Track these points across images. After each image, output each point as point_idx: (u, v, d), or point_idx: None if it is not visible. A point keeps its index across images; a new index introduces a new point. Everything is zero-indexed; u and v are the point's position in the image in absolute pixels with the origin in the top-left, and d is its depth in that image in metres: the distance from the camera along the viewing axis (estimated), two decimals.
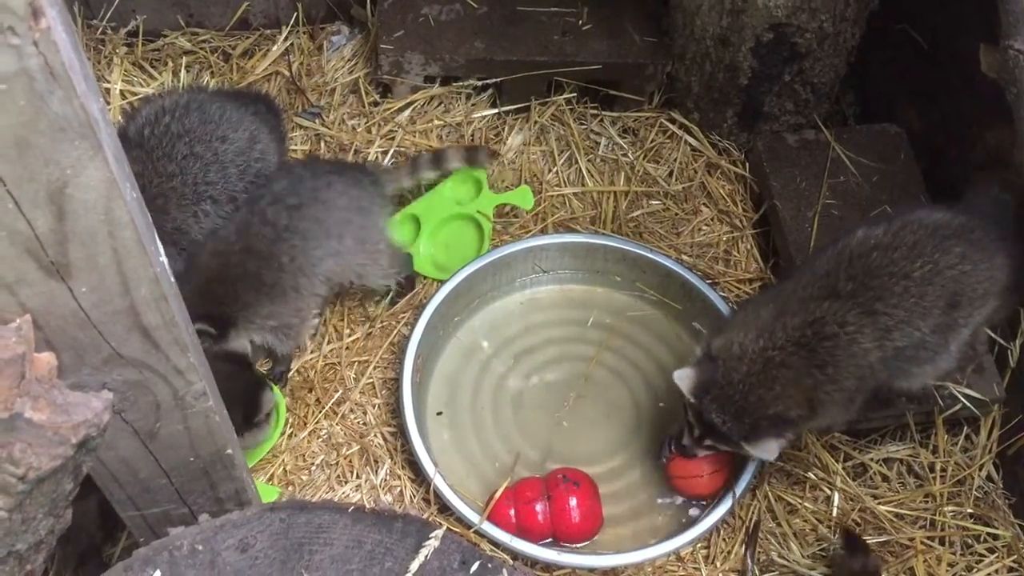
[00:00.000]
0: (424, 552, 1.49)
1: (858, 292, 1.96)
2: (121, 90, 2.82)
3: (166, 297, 1.19)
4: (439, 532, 1.50)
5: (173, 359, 1.29)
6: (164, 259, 1.27)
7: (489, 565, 1.50)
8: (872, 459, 2.38)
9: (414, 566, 1.48)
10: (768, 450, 2.00)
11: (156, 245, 1.23)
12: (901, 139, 2.67)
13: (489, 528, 2.13)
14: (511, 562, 1.86)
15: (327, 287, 2.33)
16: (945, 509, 2.30)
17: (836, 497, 2.32)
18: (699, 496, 2.27)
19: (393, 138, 2.80)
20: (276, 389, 2.34)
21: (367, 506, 1.53)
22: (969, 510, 2.32)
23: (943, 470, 2.35)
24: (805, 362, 1.95)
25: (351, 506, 1.53)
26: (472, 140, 2.81)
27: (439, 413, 2.37)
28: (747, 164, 2.75)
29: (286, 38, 3.00)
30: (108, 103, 2.78)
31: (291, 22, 3.02)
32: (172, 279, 1.32)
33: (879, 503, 2.31)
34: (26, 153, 0.95)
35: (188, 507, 1.61)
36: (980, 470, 2.35)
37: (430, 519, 2.20)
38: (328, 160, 2.61)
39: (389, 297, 2.52)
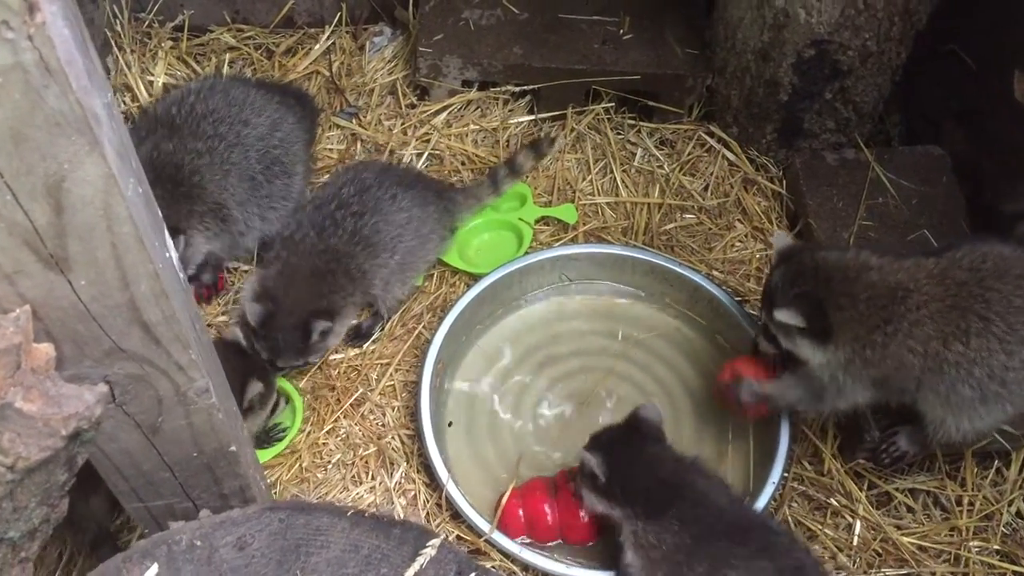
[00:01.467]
0: (420, 560, 1.48)
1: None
2: (164, 83, 2.85)
3: (167, 293, 1.20)
4: (436, 541, 1.49)
5: (175, 355, 1.29)
6: (170, 254, 1.28)
7: None
8: (897, 488, 2.32)
9: (409, 573, 1.47)
10: (789, 316, 1.97)
11: (161, 241, 1.23)
12: (944, 162, 2.60)
13: (499, 538, 2.12)
14: None
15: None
16: (971, 544, 2.24)
17: (858, 525, 2.26)
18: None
19: (428, 140, 2.80)
20: (292, 389, 2.36)
21: (367, 511, 1.53)
22: (996, 546, 2.24)
23: (971, 504, 2.28)
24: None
25: (350, 510, 1.52)
26: (507, 146, 2.80)
27: (450, 424, 2.35)
28: (784, 181, 2.71)
29: (328, 37, 3.02)
30: (151, 96, 2.82)
31: (335, 21, 3.04)
32: (180, 275, 1.33)
33: (902, 534, 2.25)
34: (23, 146, 0.96)
35: (192, 501, 1.62)
36: (1009, 506, 2.28)
37: (440, 526, 2.20)
38: (403, 169, 2.62)
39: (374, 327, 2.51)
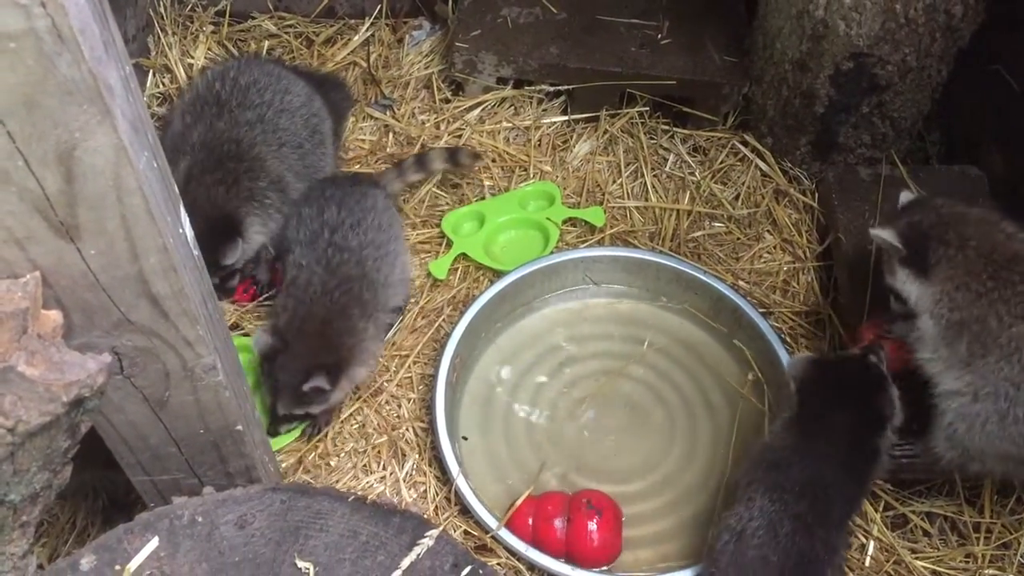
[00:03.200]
0: (417, 550, 1.48)
1: None
2: (203, 67, 2.88)
3: (175, 268, 1.21)
4: (434, 532, 1.49)
5: (183, 330, 1.31)
6: (184, 230, 1.30)
7: (481, 572, 1.48)
8: (914, 511, 2.28)
9: (405, 563, 1.47)
10: (888, 235, 1.98)
11: (175, 216, 1.25)
12: (981, 183, 2.56)
13: (506, 535, 2.11)
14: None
15: None
16: (986, 572, 2.19)
17: (871, 546, 2.23)
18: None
19: (460, 136, 2.80)
20: None
21: (367, 498, 1.53)
22: (1012, 575, 2.20)
23: (988, 531, 2.24)
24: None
25: (351, 496, 1.53)
26: (539, 145, 2.80)
27: (465, 438, 2.34)
28: (816, 194, 2.67)
29: (368, 28, 3.03)
30: (190, 78, 2.85)
31: (375, 13, 3.06)
32: (193, 252, 1.34)
33: (916, 557, 2.21)
34: (35, 112, 0.98)
35: (197, 477, 1.64)
36: None
37: (448, 520, 2.20)
38: (344, 175, 2.61)
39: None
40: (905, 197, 2.11)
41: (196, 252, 1.37)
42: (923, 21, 2.29)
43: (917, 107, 2.55)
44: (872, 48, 2.36)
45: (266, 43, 2.99)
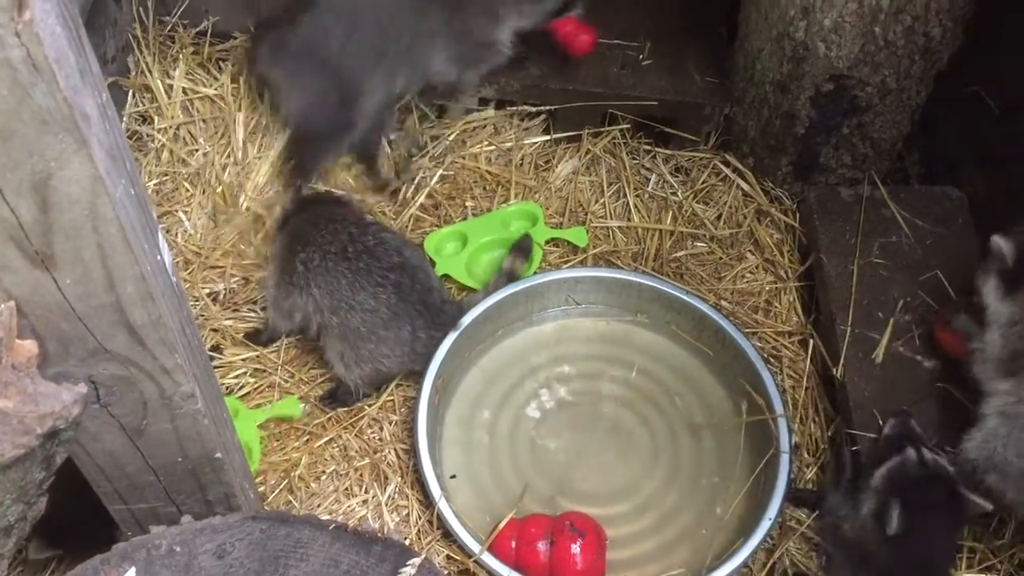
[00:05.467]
0: None
1: None
2: (184, 88, 2.87)
3: (152, 296, 1.19)
4: (416, 560, 1.48)
5: (160, 358, 1.29)
6: (162, 257, 1.28)
7: None
8: None
9: None
10: (1004, 244, 2.00)
11: (152, 243, 1.23)
12: (961, 204, 2.57)
13: (489, 559, 2.10)
14: None
15: None
16: None
17: None
18: None
19: (443, 159, 2.80)
20: (256, 442, 2.29)
21: (348, 525, 1.52)
22: None
23: (971, 552, 2.23)
24: None
25: (332, 524, 1.51)
26: (521, 165, 2.80)
27: (453, 476, 2.31)
28: (797, 215, 2.68)
29: None
30: (169, 99, 2.83)
31: None
32: (171, 279, 1.33)
33: None
34: (9, 142, 0.96)
35: (176, 506, 1.62)
36: (1010, 559, 2.23)
37: (431, 544, 2.18)
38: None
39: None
40: None
41: (174, 279, 1.35)
42: (902, 44, 2.30)
43: (897, 128, 2.56)
44: (852, 70, 2.38)
45: (246, 64, 2.97)
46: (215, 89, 2.87)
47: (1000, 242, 2.03)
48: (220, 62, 2.99)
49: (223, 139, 2.80)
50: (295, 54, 2.57)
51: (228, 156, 2.77)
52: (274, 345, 2.51)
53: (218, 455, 1.52)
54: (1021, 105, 2.54)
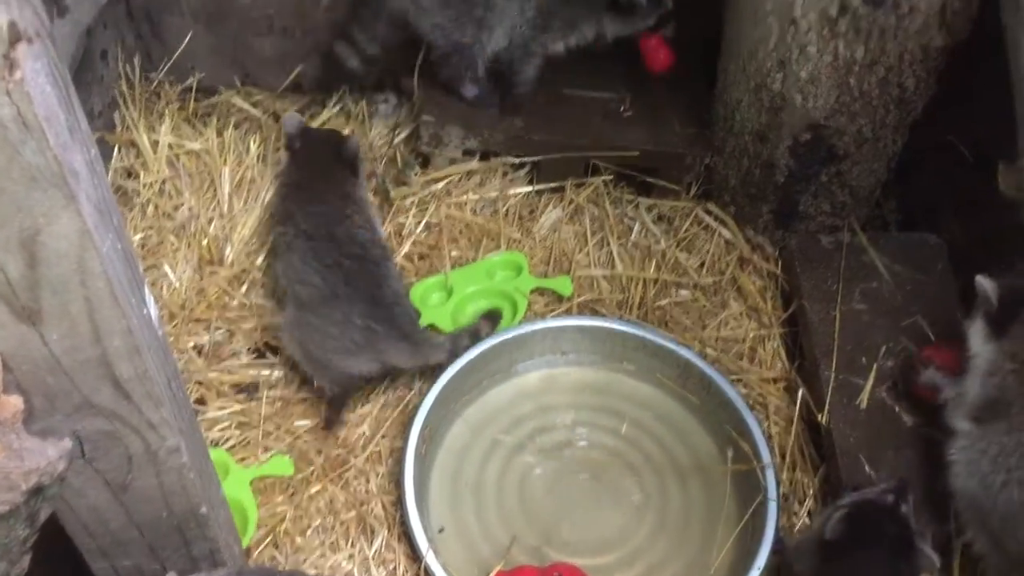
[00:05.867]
0: None
1: None
2: (169, 143, 2.89)
3: (139, 350, 1.20)
4: None
5: (146, 412, 1.29)
6: (148, 311, 1.29)
7: None
8: None
9: None
10: (989, 287, 2.02)
11: (139, 297, 1.24)
12: (940, 250, 2.61)
13: None
14: None
15: None
16: None
17: None
18: None
19: (426, 209, 2.82)
20: (251, 499, 2.29)
21: None
22: None
23: None
24: None
25: None
26: (506, 215, 2.82)
27: (441, 530, 2.30)
28: (779, 262, 2.71)
29: (335, 103, 3.06)
30: (155, 154, 2.85)
31: (343, 88, 3.08)
32: (158, 332, 1.33)
33: None
34: None
35: (160, 562, 1.60)
36: None
37: None
38: None
39: None
40: None
41: (160, 332, 1.35)
42: (877, 94, 2.35)
43: (875, 176, 2.61)
44: (829, 120, 2.42)
45: (232, 118, 3.01)
46: (201, 144, 2.89)
47: (985, 283, 2.04)
48: (206, 117, 3.03)
49: (208, 193, 2.82)
50: None
51: (214, 209, 2.79)
52: (258, 398, 2.51)
53: (203, 510, 1.51)
54: (994, 154, 2.58)
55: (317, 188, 2.54)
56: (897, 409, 2.35)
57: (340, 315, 2.34)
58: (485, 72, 2.78)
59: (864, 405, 2.34)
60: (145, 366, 1.22)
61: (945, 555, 2.15)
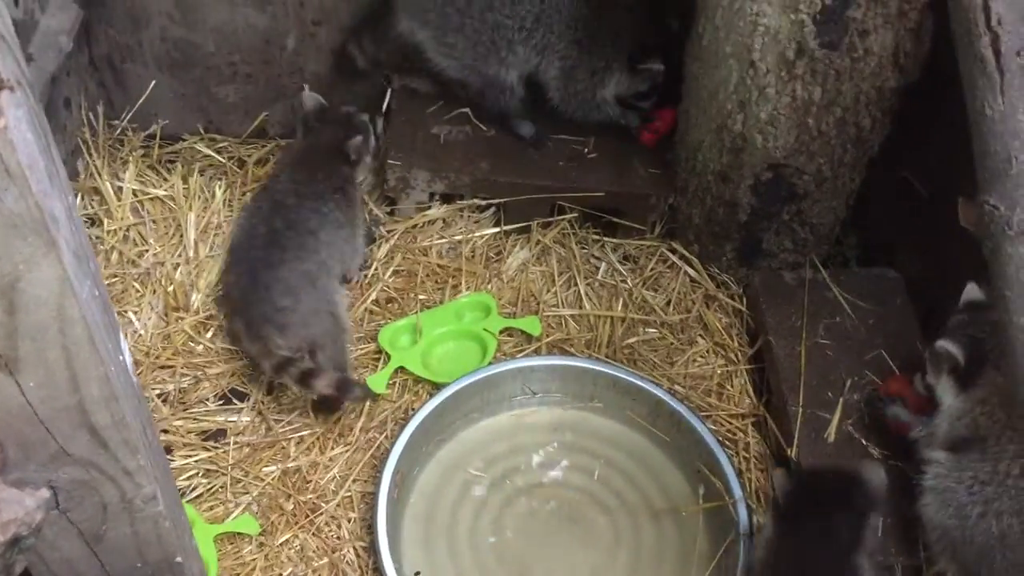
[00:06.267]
0: None
1: None
2: (134, 190, 2.88)
3: (117, 397, 1.19)
4: None
5: (123, 460, 1.27)
6: (124, 357, 1.28)
7: None
8: None
9: None
10: (952, 348, 2.06)
11: (115, 343, 1.23)
12: (899, 284, 2.66)
13: None
14: None
15: None
16: None
17: None
18: None
19: (394, 255, 2.82)
20: (213, 555, 2.25)
21: None
22: None
23: None
24: None
25: None
26: (472, 257, 2.84)
27: (416, 574, 2.28)
28: (744, 299, 2.75)
29: None
30: (119, 201, 2.84)
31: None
32: (132, 379, 1.32)
33: None
34: None
35: None
36: None
37: None
38: None
39: None
40: (971, 293, 2.17)
41: (135, 380, 1.34)
42: (835, 134, 2.41)
43: (834, 213, 2.66)
44: (789, 159, 2.48)
45: (197, 164, 3.00)
46: (166, 190, 2.89)
47: (948, 347, 2.09)
48: (170, 164, 3.03)
49: (174, 239, 2.81)
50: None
51: (179, 255, 2.77)
52: (225, 444, 2.48)
53: (179, 559, 1.49)
54: (947, 190, 2.65)
55: (312, 169, 2.66)
56: (864, 442, 2.38)
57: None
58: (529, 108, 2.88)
59: (832, 439, 2.37)
60: (123, 413, 1.21)
61: None
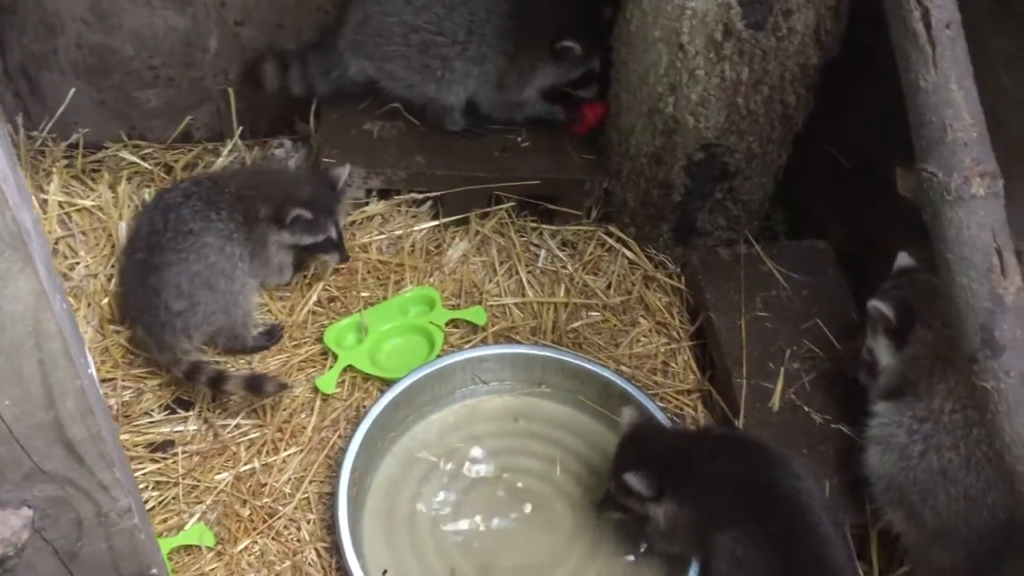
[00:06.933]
0: None
1: None
2: (60, 202, 2.80)
3: (92, 410, 1.17)
4: None
5: (98, 474, 1.26)
6: (91, 371, 1.26)
7: None
8: None
9: None
10: (884, 307, 2.18)
11: (84, 357, 1.21)
12: (828, 255, 2.76)
13: None
14: None
15: None
16: None
17: None
18: None
19: None
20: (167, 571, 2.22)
21: None
22: None
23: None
24: None
25: None
26: (412, 251, 2.84)
27: (384, 572, 2.28)
28: (683, 277, 2.82)
29: (230, 151, 3.03)
30: (45, 213, 2.76)
31: (236, 135, 3.05)
32: (99, 391, 1.30)
33: None
34: None
35: None
36: None
37: None
38: None
39: None
40: (902, 261, 2.29)
41: (100, 392, 1.32)
42: (763, 111, 2.49)
43: (763, 190, 2.74)
44: (720, 139, 2.54)
45: (124, 172, 2.94)
46: (93, 200, 2.82)
47: (879, 306, 2.20)
48: (94, 173, 2.95)
49: (105, 249, 2.75)
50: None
51: (113, 266, 2.71)
52: (174, 454, 2.44)
53: (154, 571, 1.47)
54: (868, 161, 2.77)
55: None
56: (807, 409, 2.46)
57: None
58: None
59: (776, 407, 2.45)
60: (99, 426, 1.19)
61: (863, 542, 2.27)
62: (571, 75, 2.85)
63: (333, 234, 2.58)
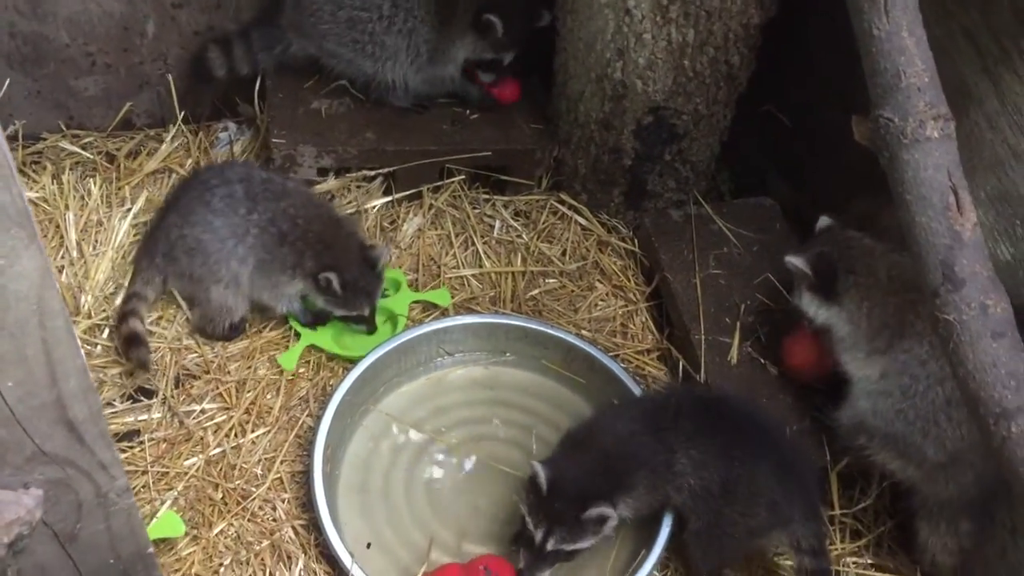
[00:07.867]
0: None
1: None
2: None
3: (93, 388, 1.17)
4: None
5: (99, 453, 1.26)
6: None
7: None
8: None
9: None
10: (799, 262, 2.29)
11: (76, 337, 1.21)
12: (775, 211, 2.84)
13: None
14: None
15: None
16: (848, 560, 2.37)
17: None
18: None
19: None
20: None
21: None
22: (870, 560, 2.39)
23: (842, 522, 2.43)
24: None
25: None
26: (367, 228, 2.84)
27: (368, 545, 2.30)
28: (636, 240, 2.87)
29: (173, 137, 2.99)
30: None
31: (178, 121, 3.01)
32: (88, 373, 1.29)
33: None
34: None
35: None
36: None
37: None
38: None
39: None
40: (822, 222, 2.36)
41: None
42: (709, 73, 2.54)
43: (710, 150, 2.81)
44: (668, 101, 2.59)
45: (66, 162, 2.88)
46: (37, 192, 2.76)
47: (794, 261, 2.28)
48: (35, 165, 2.89)
49: (54, 242, 2.70)
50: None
51: (63, 257, 2.67)
52: (140, 443, 2.42)
53: (150, 550, 1.48)
54: (807, 118, 2.85)
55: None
56: (763, 361, 2.54)
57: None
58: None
59: (735, 361, 2.53)
60: (99, 404, 1.19)
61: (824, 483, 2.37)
62: (484, 54, 2.83)
63: (366, 312, 2.57)
